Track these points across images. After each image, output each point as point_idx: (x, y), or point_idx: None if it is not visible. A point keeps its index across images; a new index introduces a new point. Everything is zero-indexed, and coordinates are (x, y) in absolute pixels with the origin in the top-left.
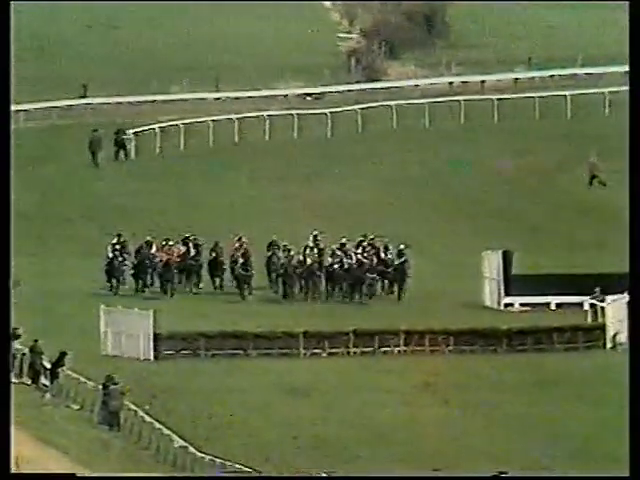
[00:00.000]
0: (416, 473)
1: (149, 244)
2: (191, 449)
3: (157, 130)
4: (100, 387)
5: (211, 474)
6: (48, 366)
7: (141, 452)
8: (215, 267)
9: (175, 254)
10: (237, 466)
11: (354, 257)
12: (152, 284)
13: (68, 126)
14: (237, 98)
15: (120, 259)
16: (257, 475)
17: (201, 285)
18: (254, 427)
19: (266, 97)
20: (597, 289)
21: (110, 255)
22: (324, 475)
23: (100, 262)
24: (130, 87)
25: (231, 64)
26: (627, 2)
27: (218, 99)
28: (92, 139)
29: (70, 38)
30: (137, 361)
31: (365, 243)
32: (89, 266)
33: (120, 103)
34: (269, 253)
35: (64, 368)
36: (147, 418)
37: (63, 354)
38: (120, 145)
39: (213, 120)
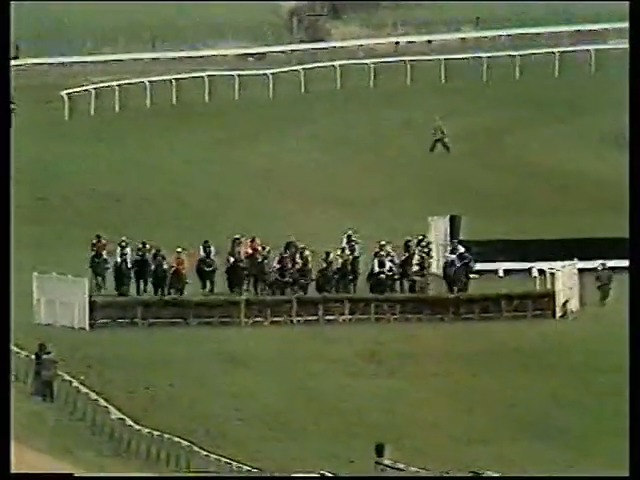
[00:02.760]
0: (361, 446)
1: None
2: (128, 421)
3: (91, 91)
4: (33, 357)
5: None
6: None
7: (76, 424)
8: (235, 273)
9: (185, 262)
10: (176, 439)
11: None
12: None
13: None
14: (175, 58)
15: (129, 265)
16: (257, 475)
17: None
18: (194, 398)
19: (205, 57)
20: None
21: (118, 260)
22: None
23: (29, 228)
24: (63, 48)
25: (169, 23)
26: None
27: (155, 59)
28: None
29: None
30: (72, 330)
31: (412, 243)
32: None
33: (52, 64)
34: (286, 255)
35: None
36: (82, 389)
37: None
38: None
39: (150, 81)
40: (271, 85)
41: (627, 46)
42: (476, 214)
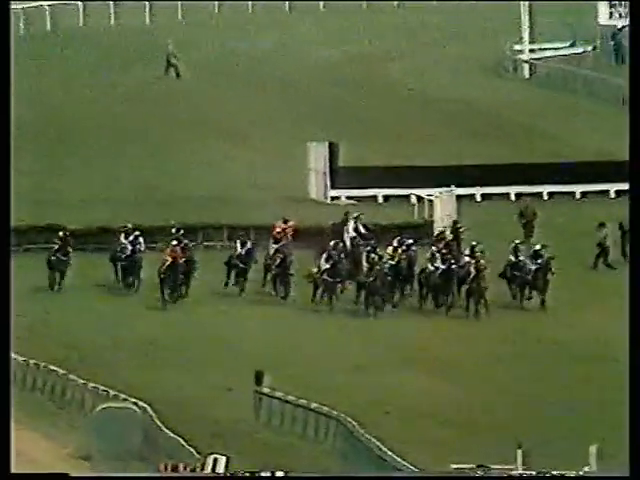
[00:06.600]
0: (240, 374)
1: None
2: None
3: None
4: None
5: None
6: None
7: None
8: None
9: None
10: (51, 367)
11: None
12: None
13: None
14: None
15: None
16: (257, 475)
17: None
18: (70, 327)
19: None
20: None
21: (130, 250)
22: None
23: None
24: None
25: None
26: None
27: None
28: None
29: None
30: None
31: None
32: None
33: None
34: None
35: None
36: None
37: None
38: None
39: (23, 8)
40: (147, 12)
41: None
42: (356, 140)
